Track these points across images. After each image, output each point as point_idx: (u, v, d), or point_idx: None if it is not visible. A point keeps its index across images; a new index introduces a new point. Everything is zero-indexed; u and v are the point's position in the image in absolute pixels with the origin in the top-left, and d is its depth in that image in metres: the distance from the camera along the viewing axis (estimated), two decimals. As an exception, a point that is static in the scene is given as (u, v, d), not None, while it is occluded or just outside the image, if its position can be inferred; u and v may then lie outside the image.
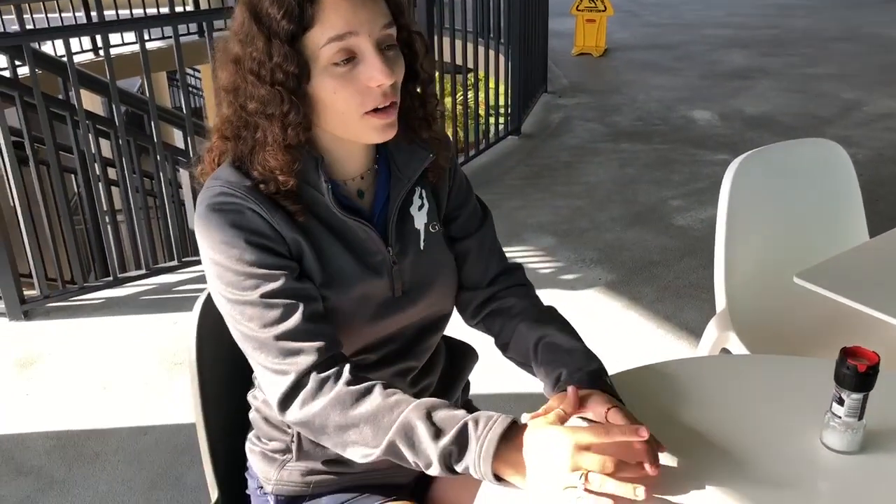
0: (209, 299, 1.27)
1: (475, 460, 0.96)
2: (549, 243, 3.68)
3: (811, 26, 8.59)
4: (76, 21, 6.85)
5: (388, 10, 1.05)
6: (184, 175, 5.21)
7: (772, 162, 2.03)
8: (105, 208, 3.48)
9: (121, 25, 4.83)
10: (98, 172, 3.47)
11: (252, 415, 1.29)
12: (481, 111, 5.27)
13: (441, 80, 4.53)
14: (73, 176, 4.23)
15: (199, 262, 3.54)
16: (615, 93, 6.27)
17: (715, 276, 1.95)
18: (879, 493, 1.03)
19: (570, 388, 1.04)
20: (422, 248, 1.19)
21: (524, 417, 1.02)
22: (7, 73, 3.74)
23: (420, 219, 1.20)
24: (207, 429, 1.32)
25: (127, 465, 2.41)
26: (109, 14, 6.53)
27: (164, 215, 3.87)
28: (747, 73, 6.72)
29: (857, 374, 1.01)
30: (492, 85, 5.12)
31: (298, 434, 1.19)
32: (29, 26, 5.60)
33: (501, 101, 5.19)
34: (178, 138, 6.73)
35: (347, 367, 1.05)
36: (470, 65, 4.79)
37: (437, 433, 0.98)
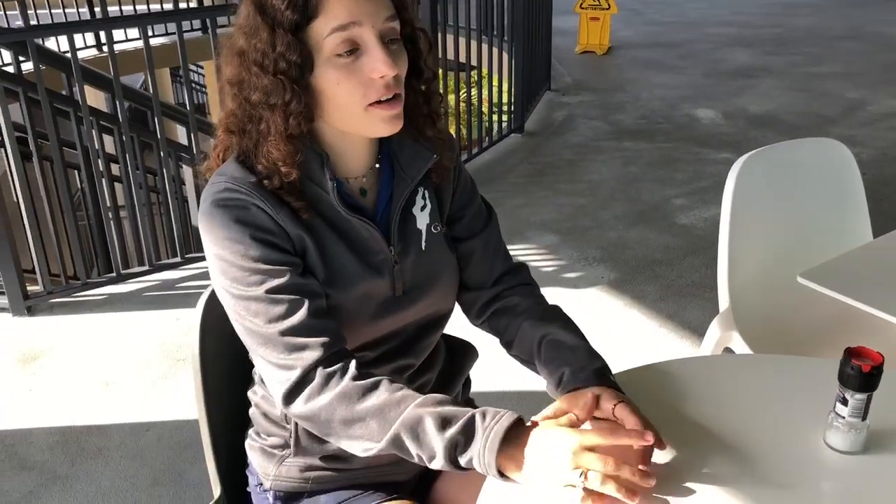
0: (213, 296, 1.27)
1: (480, 451, 0.96)
2: (551, 241, 3.68)
3: (815, 25, 8.57)
4: (80, 17, 6.85)
5: (392, 3, 1.06)
6: (187, 171, 5.21)
7: (776, 161, 2.02)
8: (108, 204, 3.48)
9: (124, 21, 4.83)
10: (101, 168, 3.47)
11: (252, 411, 1.29)
12: (484, 109, 5.27)
13: (444, 77, 4.53)
14: (76, 172, 4.22)
15: (201, 259, 3.55)
16: (619, 91, 6.26)
17: (718, 275, 1.95)
18: (883, 493, 1.03)
19: (589, 395, 1.04)
20: (423, 248, 1.20)
21: (535, 418, 1.02)
22: (11, 69, 3.74)
23: (422, 219, 1.20)
24: (210, 425, 1.32)
25: (129, 460, 2.41)
26: (113, 10, 6.54)
27: (167, 212, 3.87)
28: (751, 72, 6.71)
29: (861, 374, 1.01)
30: (495, 82, 5.11)
31: (296, 429, 1.19)
32: (33, 22, 5.61)
33: (505, 99, 5.19)
34: (181, 135, 6.73)
35: (353, 362, 1.05)
36: (473, 62, 4.79)
37: (444, 424, 0.98)
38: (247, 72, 1.05)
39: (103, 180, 3.48)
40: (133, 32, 5.98)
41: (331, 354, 1.05)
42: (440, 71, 4.28)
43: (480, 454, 0.96)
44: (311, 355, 1.04)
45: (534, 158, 4.86)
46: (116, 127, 3.92)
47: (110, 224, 3.49)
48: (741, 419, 1.13)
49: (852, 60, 7.07)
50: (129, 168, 3.53)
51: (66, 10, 7.27)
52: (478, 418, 0.98)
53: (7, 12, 6.47)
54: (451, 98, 5.33)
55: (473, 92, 5.08)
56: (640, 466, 0.96)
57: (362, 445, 1.03)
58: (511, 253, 1.34)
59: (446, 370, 1.33)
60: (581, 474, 0.92)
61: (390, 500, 1.24)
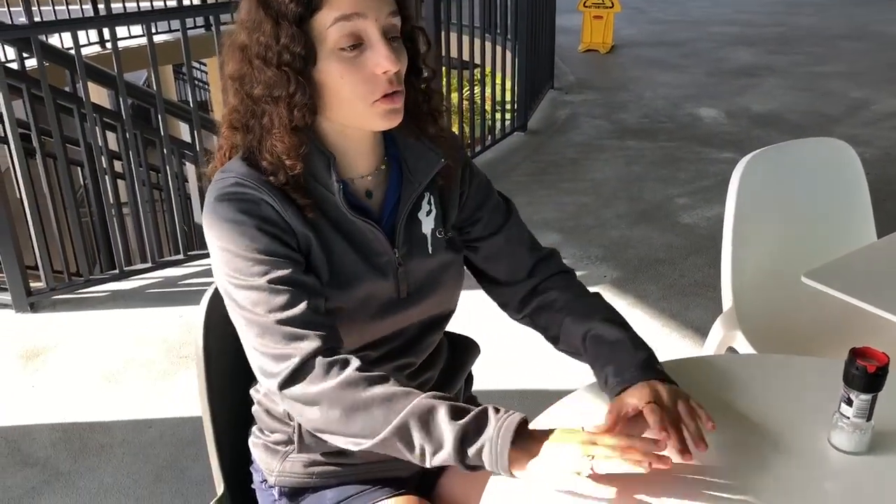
0: (217, 293, 1.27)
1: (493, 438, 0.97)
2: (554, 240, 3.67)
3: (818, 24, 8.56)
4: (83, 13, 6.85)
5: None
6: (190, 168, 5.21)
7: (780, 160, 2.02)
8: (111, 201, 3.48)
9: (128, 18, 4.83)
10: (104, 165, 3.47)
11: (255, 408, 1.29)
12: (487, 107, 5.26)
13: (447, 75, 4.52)
14: (79, 169, 4.23)
15: (204, 256, 3.56)
16: (622, 90, 6.26)
17: (722, 274, 1.95)
18: (887, 493, 1.03)
19: (608, 416, 1.07)
20: (430, 252, 1.20)
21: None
22: (15, 66, 3.74)
23: (427, 224, 1.20)
24: (214, 422, 1.32)
25: (132, 457, 2.42)
26: (117, 7, 6.53)
27: (170, 209, 3.87)
28: (754, 71, 6.70)
29: (866, 374, 1.01)
30: (498, 81, 5.10)
31: (300, 425, 1.19)
32: (37, 18, 5.61)
33: (508, 97, 5.18)
34: (184, 132, 6.73)
35: (355, 358, 1.04)
36: (477, 60, 4.78)
37: (457, 414, 0.99)
38: (249, 66, 1.05)
39: (106, 177, 3.48)
40: (136, 29, 5.97)
41: (329, 348, 1.04)
42: (443, 69, 4.27)
43: (493, 442, 0.97)
44: (310, 345, 1.03)
45: (537, 157, 4.86)
46: (120, 124, 3.92)
47: (113, 221, 3.50)
48: (745, 419, 1.13)
49: (856, 60, 7.05)
50: (133, 165, 3.53)
51: (70, 7, 7.26)
52: (491, 410, 1.00)
53: (11, 9, 6.47)
54: (455, 96, 5.32)
55: (476, 90, 5.07)
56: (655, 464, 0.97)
57: (357, 439, 1.02)
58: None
59: (448, 367, 1.33)
60: (590, 458, 0.94)
61: (396, 495, 1.24)
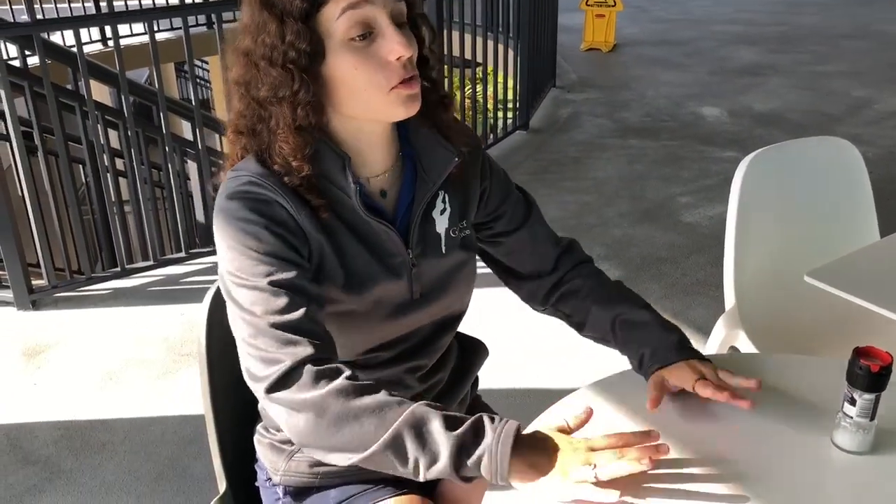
0: (219, 291, 1.27)
1: (492, 446, 0.95)
2: (556, 239, 3.67)
3: (820, 23, 8.55)
4: (85, 11, 6.85)
5: None
6: (192, 167, 5.21)
7: (782, 160, 2.02)
8: (113, 199, 3.48)
9: (130, 16, 4.83)
10: (106, 163, 3.47)
11: (261, 406, 1.28)
12: (489, 105, 5.26)
13: (450, 73, 4.51)
14: (81, 166, 4.23)
15: (206, 255, 3.56)
16: (624, 88, 6.25)
17: (724, 273, 1.94)
18: (890, 493, 1.03)
19: (652, 394, 1.12)
20: (443, 251, 1.19)
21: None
22: (17, 63, 3.74)
23: (441, 223, 1.19)
24: (216, 420, 1.32)
25: (134, 455, 2.42)
26: (119, 5, 6.53)
27: (171, 207, 3.87)
28: (756, 70, 6.70)
29: (869, 374, 1.01)
30: (500, 79, 5.10)
31: None
32: (39, 16, 5.61)
33: (510, 96, 5.18)
34: (186, 129, 6.73)
35: (346, 368, 1.02)
36: (479, 59, 4.77)
37: (452, 423, 0.97)
38: (254, 69, 1.04)
39: (108, 175, 3.48)
40: (138, 27, 5.98)
41: (322, 357, 1.01)
42: (445, 67, 4.27)
43: (493, 451, 0.95)
44: (303, 351, 1.00)
45: (538, 155, 4.86)
46: (122, 122, 3.92)
47: (115, 219, 3.50)
48: (747, 419, 1.13)
49: (858, 59, 7.04)
50: (134, 163, 3.53)
51: (72, 5, 7.26)
52: (486, 419, 0.98)
53: (13, 7, 6.47)
54: (457, 95, 5.32)
55: (478, 88, 5.06)
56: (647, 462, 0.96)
57: (345, 452, 0.99)
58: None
59: (458, 368, 1.32)
60: (593, 467, 0.94)
61: (398, 495, 1.23)
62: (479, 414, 0.99)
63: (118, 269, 3.45)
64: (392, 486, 1.25)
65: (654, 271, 3.41)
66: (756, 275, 1.96)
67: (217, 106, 9.34)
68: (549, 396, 1.20)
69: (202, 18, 6.64)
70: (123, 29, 4.31)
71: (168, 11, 5.13)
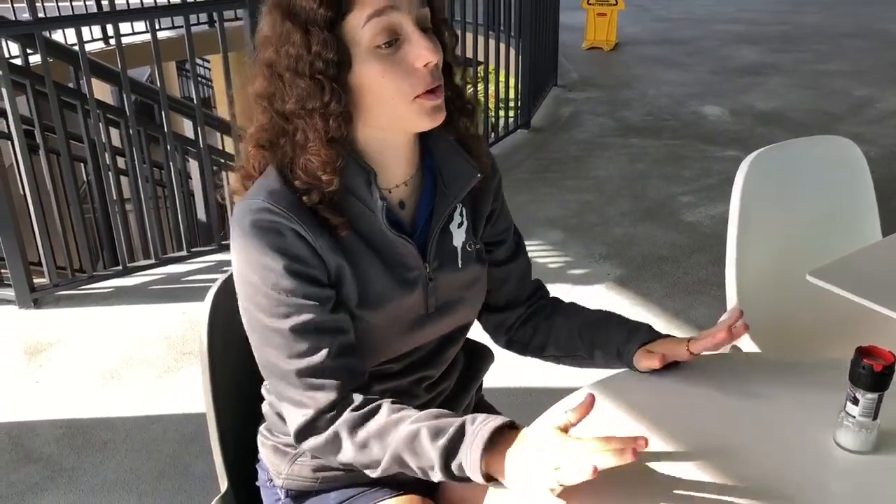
0: (221, 290, 1.27)
1: (467, 451, 0.95)
2: (557, 238, 3.67)
3: (822, 22, 8.54)
4: (87, 10, 6.85)
5: None
6: (193, 165, 5.22)
7: (784, 159, 2.01)
8: (115, 197, 3.48)
9: (132, 15, 4.83)
10: (108, 161, 3.47)
11: (265, 408, 1.28)
12: (491, 104, 5.25)
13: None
14: (82, 165, 4.23)
15: (207, 253, 3.56)
16: (625, 87, 6.25)
17: (726, 272, 1.94)
18: (893, 492, 1.02)
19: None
20: (460, 265, 1.18)
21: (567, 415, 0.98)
22: (19, 62, 3.74)
23: (458, 237, 1.18)
24: (218, 419, 1.32)
25: (135, 453, 2.42)
26: (120, 3, 6.54)
27: (173, 205, 3.87)
28: (758, 69, 6.69)
29: (872, 373, 1.00)
30: (502, 78, 5.10)
31: None
32: (40, 15, 5.61)
33: (511, 95, 5.18)
34: (187, 128, 6.73)
35: (355, 399, 1.05)
36: (480, 58, 4.77)
37: (437, 434, 0.98)
38: (279, 81, 1.01)
39: (110, 173, 3.48)
40: (140, 26, 5.98)
41: (344, 396, 1.05)
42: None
43: (466, 455, 0.95)
44: (327, 397, 1.04)
45: (540, 154, 4.86)
46: (123, 120, 3.92)
47: (116, 217, 3.50)
48: (749, 418, 1.13)
49: (860, 58, 7.04)
50: (136, 161, 3.54)
51: (74, 3, 7.27)
52: (468, 423, 0.98)
53: (14, 5, 6.47)
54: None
55: (480, 87, 5.06)
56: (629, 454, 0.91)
57: (368, 469, 1.06)
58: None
59: (464, 375, 1.32)
60: (556, 469, 0.90)
61: (398, 495, 1.23)
62: (463, 418, 0.99)
63: (120, 267, 3.45)
64: (392, 486, 1.25)
65: (656, 270, 3.41)
66: (758, 274, 1.95)
67: (218, 105, 9.33)
68: (550, 396, 1.19)
69: (204, 17, 6.65)
70: (125, 27, 4.31)
71: (170, 10, 5.12)
